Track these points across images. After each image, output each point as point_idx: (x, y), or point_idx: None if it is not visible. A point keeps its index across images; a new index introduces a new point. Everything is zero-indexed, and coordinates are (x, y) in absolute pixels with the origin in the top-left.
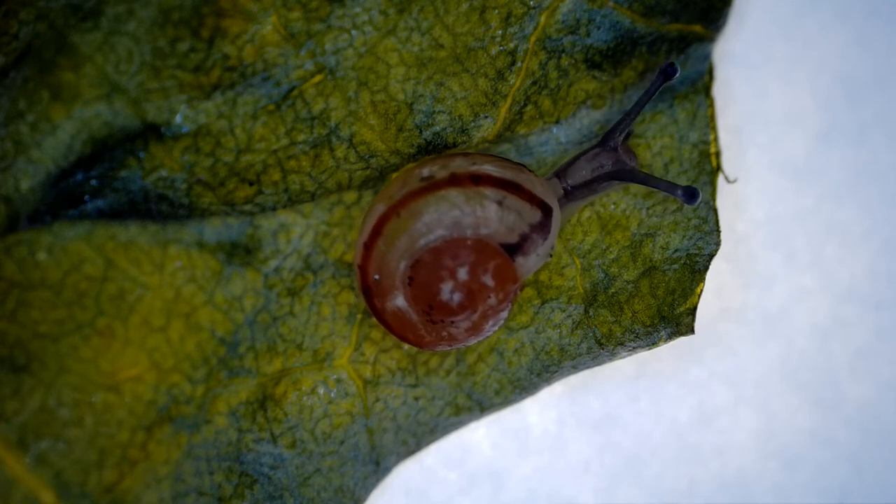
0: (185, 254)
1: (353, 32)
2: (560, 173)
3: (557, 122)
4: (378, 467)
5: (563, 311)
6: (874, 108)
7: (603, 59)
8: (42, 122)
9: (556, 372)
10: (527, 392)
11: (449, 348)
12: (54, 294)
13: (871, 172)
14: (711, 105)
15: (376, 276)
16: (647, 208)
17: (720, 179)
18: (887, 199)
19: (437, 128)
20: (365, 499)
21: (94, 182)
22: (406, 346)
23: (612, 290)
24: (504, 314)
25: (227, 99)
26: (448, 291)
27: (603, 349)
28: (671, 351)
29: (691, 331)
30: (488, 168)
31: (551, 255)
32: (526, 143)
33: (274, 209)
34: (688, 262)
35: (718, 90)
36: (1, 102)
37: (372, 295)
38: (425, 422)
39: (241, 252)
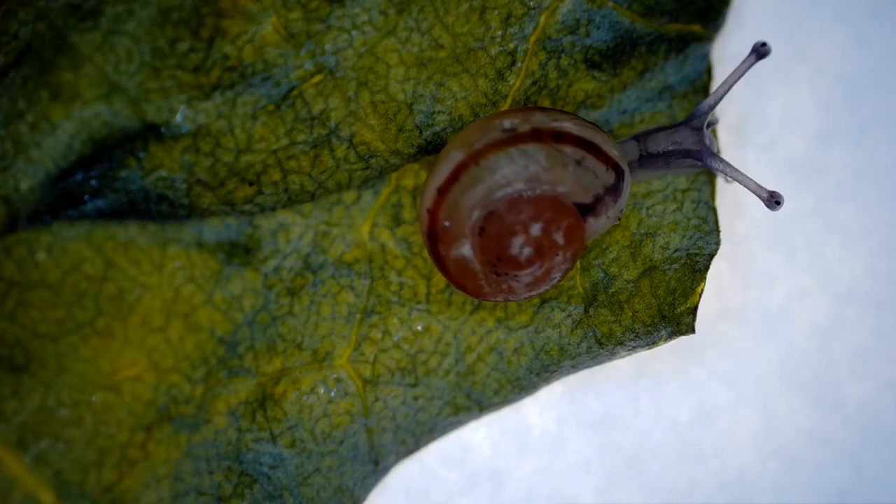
0: (185, 254)
1: (353, 33)
2: (640, 138)
3: None
4: (377, 467)
5: (563, 310)
6: (874, 108)
7: (602, 59)
8: (42, 122)
9: (556, 371)
10: (526, 392)
11: (504, 300)
12: (54, 294)
13: (871, 172)
14: None
15: (447, 223)
16: (647, 208)
17: (720, 179)
18: (887, 199)
19: (437, 128)
20: (364, 498)
21: (93, 182)
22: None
23: (612, 290)
24: (565, 273)
25: (227, 99)
26: (519, 245)
27: (603, 349)
28: (671, 351)
29: (692, 330)
30: (569, 126)
31: (619, 220)
32: None
33: (273, 209)
34: (688, 261)
35: None
36: (0, 102)
37: (438, 241)
38: (424, 421)
39: (240, 252)
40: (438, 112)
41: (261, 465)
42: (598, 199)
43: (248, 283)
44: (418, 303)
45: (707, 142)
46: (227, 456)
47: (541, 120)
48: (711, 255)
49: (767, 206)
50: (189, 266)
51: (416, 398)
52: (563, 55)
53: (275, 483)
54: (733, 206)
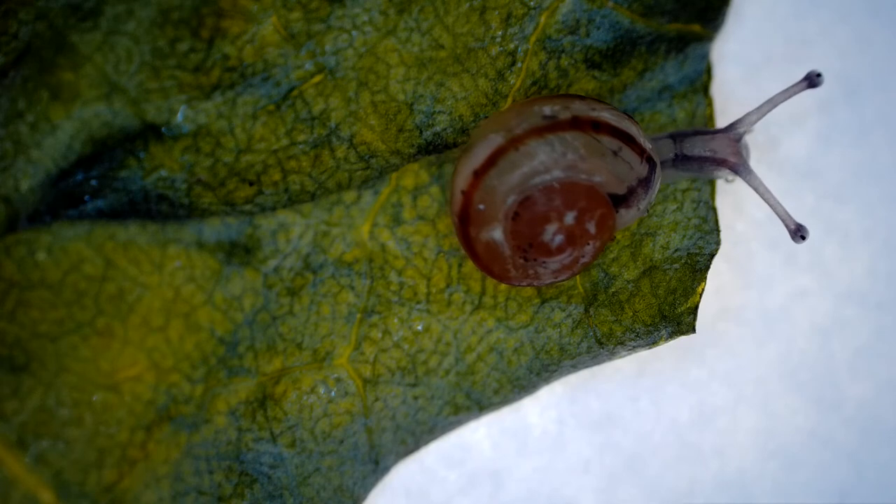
0: (185, 253)
1: (353, 33)
2: (675, 137)
3: None
4: (377, 466)
5: (563, 310)
6: (874, 108)
7: (602, 59)
8: (42, 122)
9: (556, 371)
10: (526, 391)
11: (528, 285)
12: (54, 294)
13: (871, 172)
14: (710, 104)
15: (480, 206)
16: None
17: (720, 179)
18: (887, 199)
19: (438, 128)
20: (364, 498)
21: (93, 182)
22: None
23: (613, 290)
24: (589, 262)
25: (227, 99)
26: (551, 233)
27: (603, 348)
28: (671, 351)
29: (692, 330)
30: (607, 115)
31: (647, 213)
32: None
33: (273, 209)
34: (688, 261)
35: (718, 90)
36: (0, 102)
37: (469, 223)
38: (424, 421)
39: (240, 252)
40: (439, 112)
41: (261, 464)
42: (631, 191)
43: (248, 282)
44: (418, 303)
45: (745, 154)
46: (227, 456)
47: (580, 108)
48: (712, 255)
49: (792, 237)
50: (189, 266)
51: (416, 398)
52: (563, 55)
53: (275, 483)
54: (733, 206)
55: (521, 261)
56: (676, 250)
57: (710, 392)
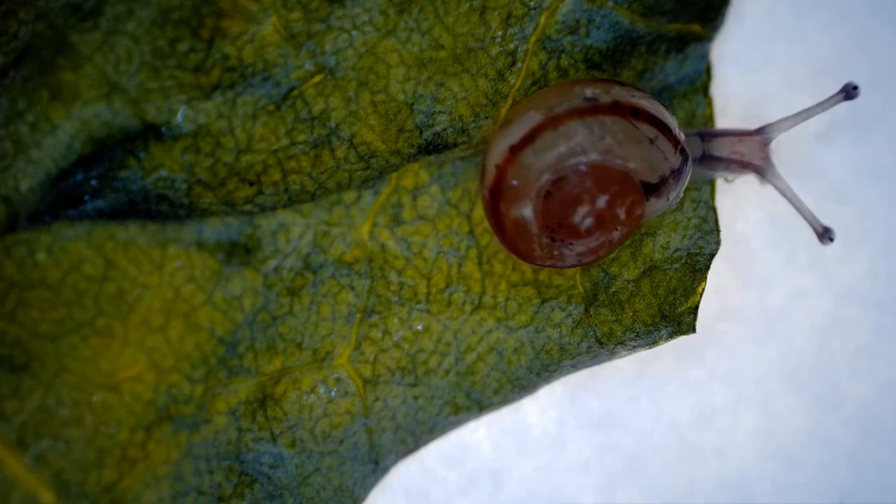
0: (185, 253)
1: (353, 33)
2: (704, 136)
3: None
4: (377, 466)
5: (563, 310)
6: (874, 108)
7: (602, 59)
8: (42, 122)
9: (556, 371)
10: (526, 391)
11: (550, 266)
12: (53, 294)
13: (871, 172)
14: (710, 104)
15: (514, 182)
16: None
17: (720, 179)
18: (887, 199)
19: (438, 128)
20: (364, 498)
21: (93, 182)
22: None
23: (613, 290)
24: (613, 249)
25: (227, 99)
26: (582, 215)
27: (603, 348)
28: (671, 351)
29: (692, 330)
30: (646, 103)
31: (675, 205)
32: None
33: (273, 209)
34: (688, 261)
35: (718, 90)
36: (0, 102)
37: (500, 198)
38: (424, 421)
39: (240, 252)
40: (439, 112)
41: (261, 464)
42: (662, 181)
43: (248, 282)
44: (418, 303)
45: (771, 158)
46: (227, 455)
47: (621, 94)
48: (712, 255)
49: (820, 240)
50: (189, 266)
51: (415, 398)
52: (563, 55)
53: (275, 483)
54: (733, 206)
55: (548, 241)
56: (676, 250)
57: (710, 392)
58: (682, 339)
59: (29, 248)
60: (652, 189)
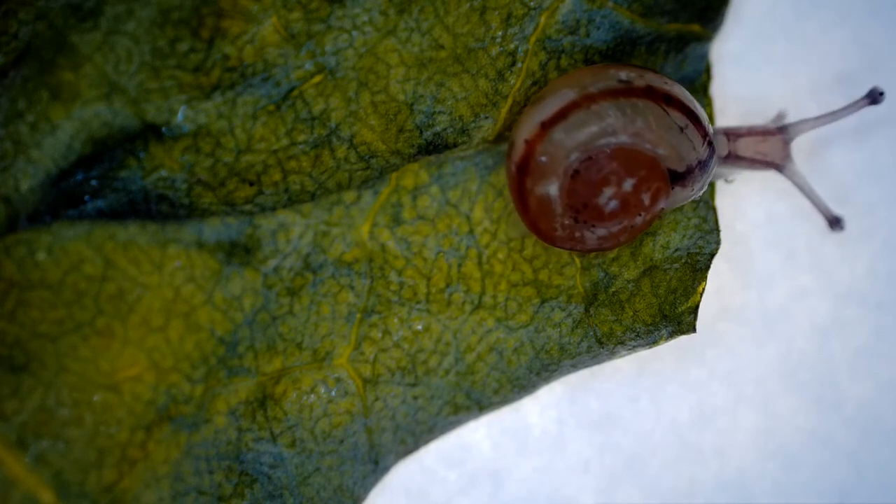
0: (185, 253)
1: (354, 33)
2: (730, 136)
3: None
4: (377, 466)
5: (563, 309)
6: (874, 108)
7: (602, 59)
8: (42, 122)
9: (556, 371)
10: (526, 391)
11: (569, 248)
12: (53, 294)
13: (871, 172)
14: (710, 104)
15: (542, 158)
16: None
17: (720, 180)
18: (887, 199)
19: (438, 128)
20: (364, 498)
21: (93, 182)
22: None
23: (613, 289)
24: (633, 236)
25: (227, 99)
26: (607, 197)
27: (603, 348)
28: (671, 351)
29: (693, 329)
30: (678, 91)
31: (699, 197)
32: None
33: (273, 209)
34: (689, 260)
35: (718, 90)
36: (0, 102)
37: (527, 173)
38: (424, 421)
39: (240, 252)
40: (439, 112)
41: (261, 464)
42: (689, 171)
43: (248, 282)
44: (418, 302)
45: (792, 156)
46: (227, 455)
47: (654, 79)
48: (712, 255)
49: (830, 226)
50: (189, 266)
51: (415, 398)
52: (563, 55)
53: (275, 482)
54: (733, 206)
55: (571, 221)
56: (676, 250)
57: (710, 392)
58: (682, 339)
59: (29, 248)
60: (678, 178)
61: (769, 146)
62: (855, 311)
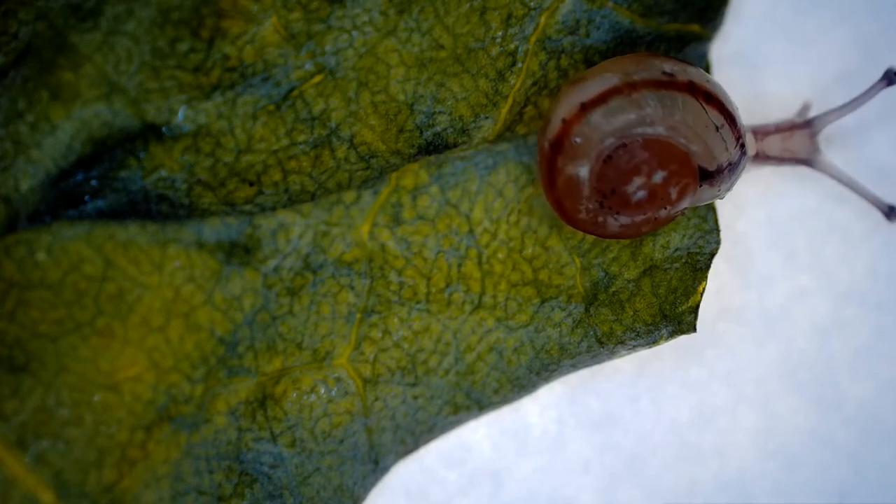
0: (185, 253)
1: (354, 33)
2: (758, 133)
3: None
4: (377, 466)
5: (563, 309)
6: (874, 108)
7: (602, 59)
8: (42, 122)
9: (556, 371)
10: (526, 391)
11: (590, 233)
12: (53, 294)
13: (872, 172)
14: None
15: (577, 139)
16: None
17: None
18: (887, 200)
19: (438, 128)
20: (364, 497)
21: (93, 182)
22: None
23: (613, 289)
24: (653, 229)
25: (227, 99)
26: (636, 185)
27: (603, 347)
28: (671, 351)
29: (693, 329)
30: (718, 90)
31: (721, 198)
32: (525, 143)
33: (273, 209)
34: (689, 260)
35: None
36: (0, 102)
37: (560, 152)
38: (424, 420)
39: (240, 252)
40: (439, 112)
41: (261, 464)
42: (719, 170)
43: (248, 282)
44: (418, 302)
45: (820, 147)
46: (227, 455)
47: (697, 76)
48: (712, 255)
49: (887, 217)
50: (189, 266)
51: (415, 397)
52: (563, 55)
53: (275, 482)
54: (733, 205)
55: (596, 205)
56: (676, 250)
57: (710, 392)
58: (682, 339)
59: (29, 248)
60: (707, 176)
61: (796, 142)
62: (855, 311)
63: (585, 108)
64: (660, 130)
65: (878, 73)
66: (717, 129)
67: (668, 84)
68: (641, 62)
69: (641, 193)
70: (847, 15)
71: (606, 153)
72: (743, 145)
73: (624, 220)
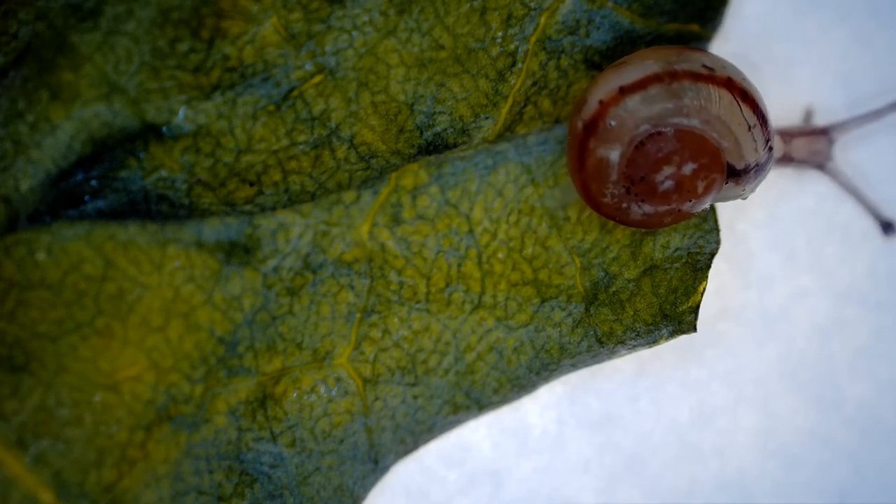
0: (184, 253)
1: (354, 33)
2: (784, 136)
3: (557, 122)
4: (377, 466)
5: (563, 309)
6: (874, 108)
7: (602, 59)
8: (41, 122)
9: (556, 370)
10: (525, 391)
11: (610, 218)
12: (53, 294)
13: (872, 172)
14: None
15: (612, 122)
16: None
17: None
18: (887, 200)
19: (438, 128)
20: (364, 497)
21: (93, 182)
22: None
23: (613, 289)
24: (674, 221)
25: (227, 99)
26: (665, 175)
27: (603, 347)
28: (671, 351)
29: (693, 329)
30: (753, 90)
31: (744, 198)
32: (525, 143)
33: (273, 209)
34: (689, 260)
35: None
36: (0, 102)
37: (593, 133)
38: (424, 420)
39: (239, 252)
40: (439, 112)
41: (261, 464)
42: (746, 170)
43: (248, 282)
44: (418, 302)
45: (833, 154)
46: (228, 455)
47: (735, 73)
48: (712, 254)
49: (883, 230)
50: (189, 266)
51: (415, 397)
52: (563, 55)
53: (275, 482)
54: (733, 205)
55: (622, 191)
56: (677, 249)
57: (710, 392)
58: (682, 339)
59: (29, 248)
60: (734, 174)
61: (819, 145)
62: (855, 311)
63: (624, 91)
64: (695, 123)
65: (879, 74)
66: (749, 128)
67: (708, 77)
68: (682, 53)
69: (669, 183)
70: (847, 15)
71: (640, 139)
72: (771, 148)
73: (648, 208)
